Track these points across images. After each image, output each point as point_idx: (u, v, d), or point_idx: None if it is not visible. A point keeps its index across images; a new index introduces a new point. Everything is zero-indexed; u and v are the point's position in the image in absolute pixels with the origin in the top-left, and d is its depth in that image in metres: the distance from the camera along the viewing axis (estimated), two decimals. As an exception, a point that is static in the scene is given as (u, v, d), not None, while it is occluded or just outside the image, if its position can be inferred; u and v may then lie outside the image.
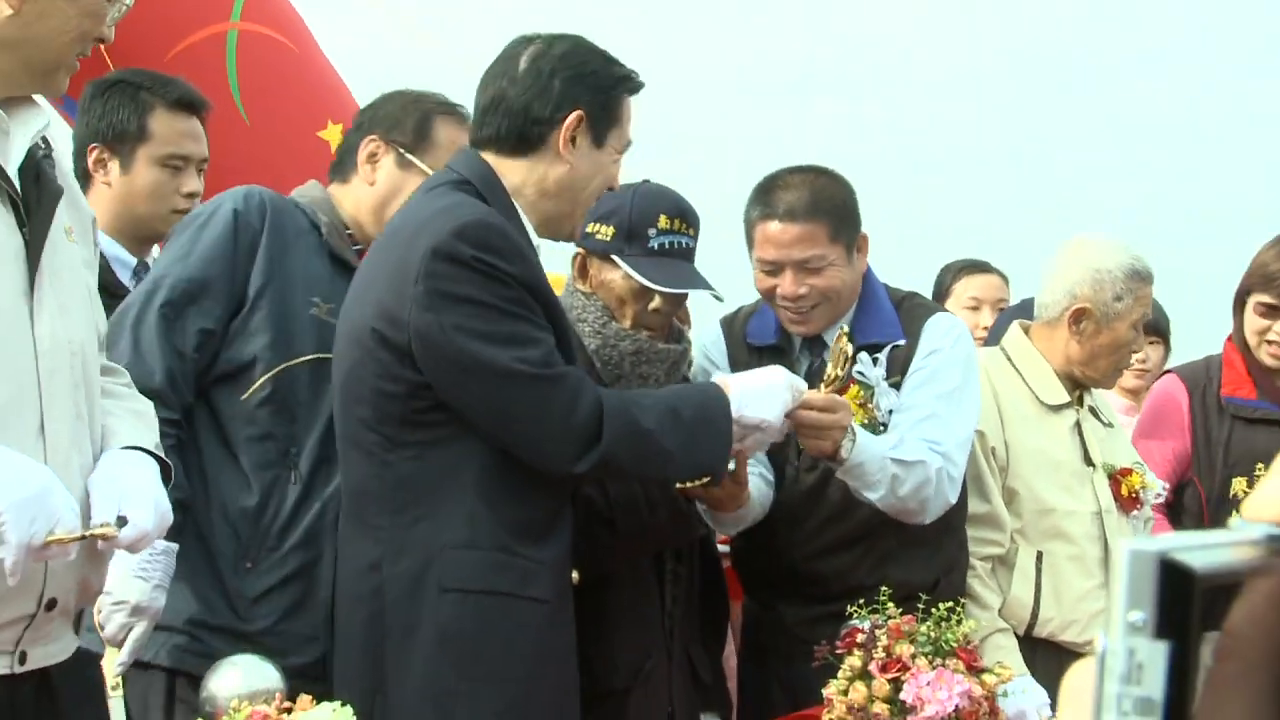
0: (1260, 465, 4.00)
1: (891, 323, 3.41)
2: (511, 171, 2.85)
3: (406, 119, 3.32)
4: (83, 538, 2.23)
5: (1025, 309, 4.42)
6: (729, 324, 3.58)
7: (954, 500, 3.30)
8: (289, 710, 2.31)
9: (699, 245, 3.33)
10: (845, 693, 2.87)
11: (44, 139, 2.45)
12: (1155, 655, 0.48)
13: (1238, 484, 4.02)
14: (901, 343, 3.37)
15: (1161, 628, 0.49)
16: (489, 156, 2.87)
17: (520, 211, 2.85)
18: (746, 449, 2.95)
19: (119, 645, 2.88)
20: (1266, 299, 4.03)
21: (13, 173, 2.32)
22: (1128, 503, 3.77)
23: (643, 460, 2.79)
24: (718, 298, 3.41)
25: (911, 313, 3.44)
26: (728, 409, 2.83)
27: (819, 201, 3.32)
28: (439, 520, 2.70)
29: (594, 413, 2.69)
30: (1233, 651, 0.51)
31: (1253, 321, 4.06)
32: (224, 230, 3.11)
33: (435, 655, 2.66)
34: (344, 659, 2.79)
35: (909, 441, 3.21)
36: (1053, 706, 3.40)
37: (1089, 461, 3.73)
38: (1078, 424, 3.76)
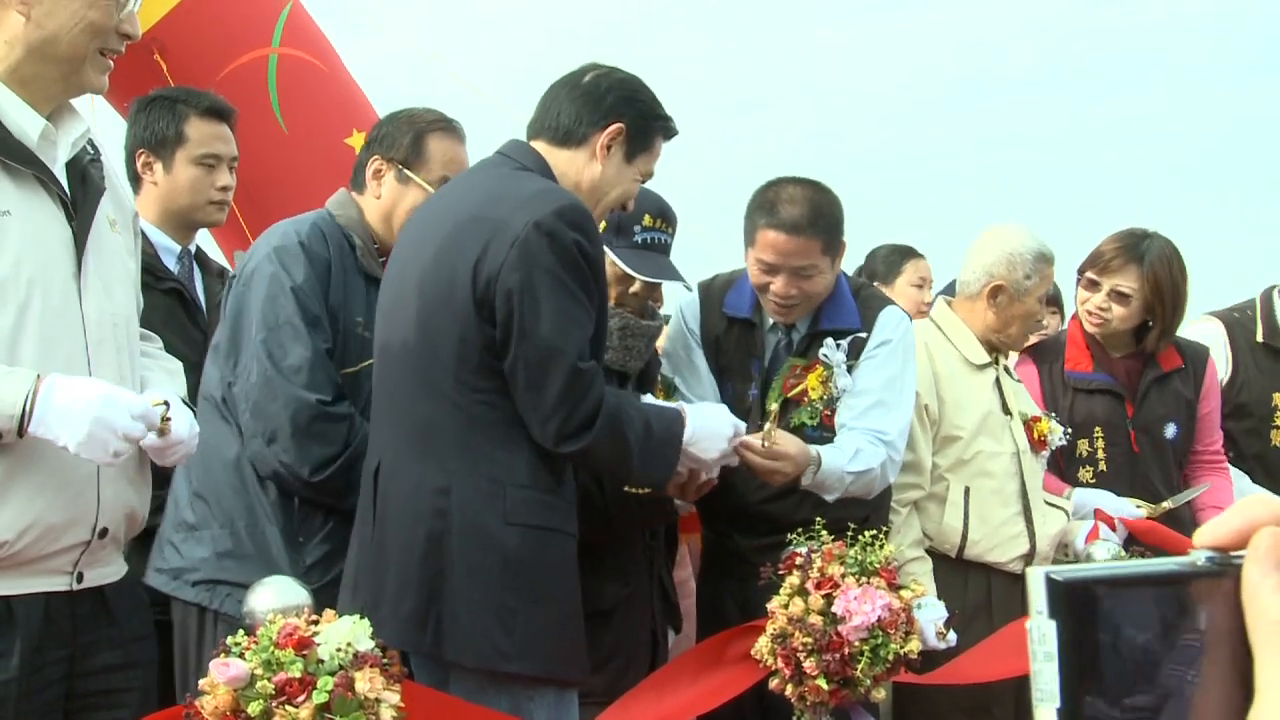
0: (1098, 429, 4.08)
1: (851, 311, 3.48)
2: (557, 161, 2.88)
3: (402, 138, 3.34)
4: (166, 403, 2.39)
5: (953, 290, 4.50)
6: (706, 290, 3.63)
7: (894, 479, 3.43)
8: (315, 622, 2.31)
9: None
10: (786, 606, 2.94)
11: (92, 145, 2.52)
12: (1050, 628, 0.68)
13: (1081, 445, 4.09)
14: (864, 335, 3.43)
15: (1052, 612, 0.69)
16: (539, 145, 2.90)
17: None
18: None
19: None
20: (1089, 274, 4.11)
21: (60, 175, 2.40)
22: (1038, 445, 3.89)
23: (613, 462, 2.83)
24: (687, 287, 3.49)
25: (867, 302, 3.51)
26: (681, 439, 2.90)
27: (818, 219, 3.35)
28: (504, 461, 2.70)
29: (594, 409, 2.71)
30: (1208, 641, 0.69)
31: (1079, 293, 4.16)
32: (307, 266, 3.14)
33: (499, 577, 2.66)
34: (400, 567, 2.71)
35: (865, 450, 3.29)
36: (951, 622, 3.45)
37: (1006, 410, 3.85)
38: (997, 380, 3.87)
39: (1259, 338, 4.47)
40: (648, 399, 3.14)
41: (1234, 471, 4.33)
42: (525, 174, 2.83)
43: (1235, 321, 4.50)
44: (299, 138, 5.19)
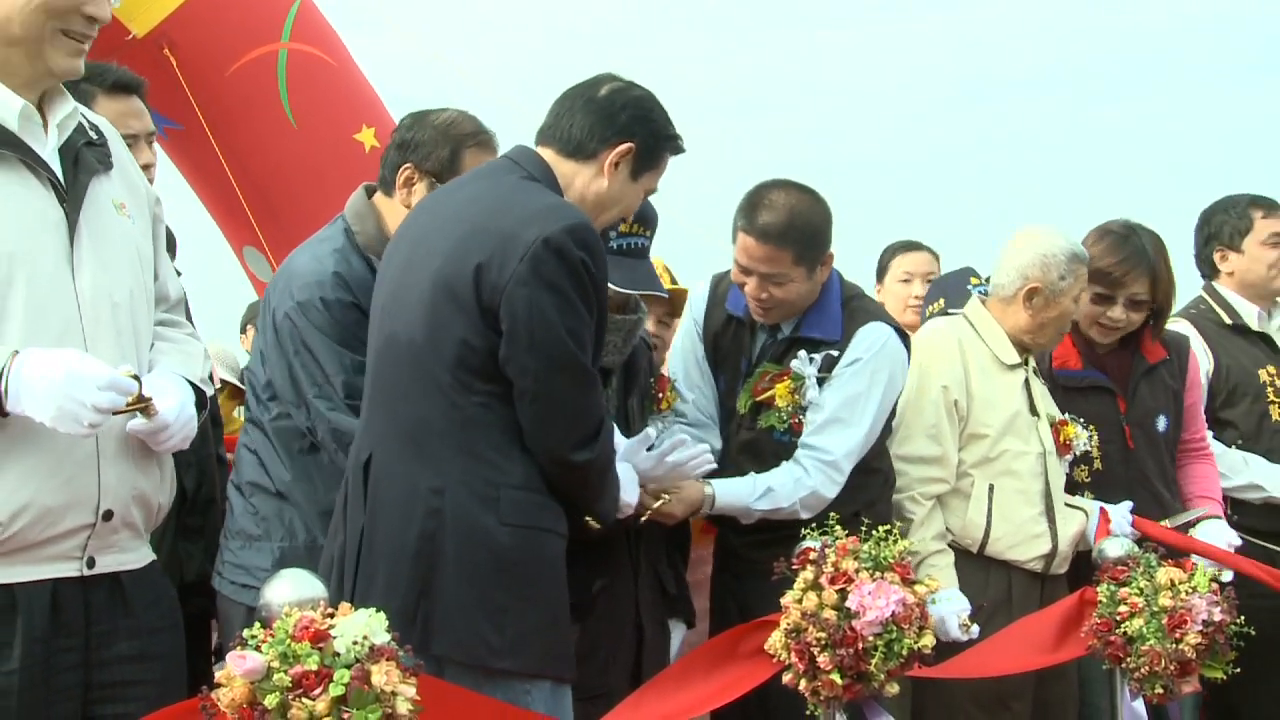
0: (1092, 427, 4.03)
1: (834, 322, 3.48)
2: (564, 172, 2.88)
3: (439, 150, 3.24)
4: (136, 376, 2.32)
5: (954, 281, 4.48)
6: (716, 284, 3.65)
7: (831, 497, 3.39)
8: (331, 615, 2.28)
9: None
10: (800, 601, 2.92)
11: (97, 130, 2.49)
12: None
13: (1092, 437, 4.02)
14: (835, 354, 3.44)
15: None
16: (548, 152, 2.89)
17: None
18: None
19: None
20: (1099, 289, 4.02)
21: (48, 157, 2.37)
22: (1062, 448, 3.88)
23: (596, 486, 2.84)
24: (664, 294, 3.44)
25: (852, 315, 3.50)
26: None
27: (791, 229, 3.35)
28: (500, 464, 2.71)
29: (599, 423, 2.76)
30: None
31: (1086, 307, 4.02)
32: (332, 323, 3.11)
33: (492, 576, 2.68)
34: (391, 563, 2.72)
35: (779, 490, 3.35)
36: (975, 615, 3.47)
37: (1034, 411, 3.83)
38: (1026, 380, 3.86)
39: (1226, 320, 4.51)
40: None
41: (1247, 455, 4.36)
42: (533, 184, 2.83)
43: (1197, 316, 4.54)
44: (308, 132, 5.19)
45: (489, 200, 2.81)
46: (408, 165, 3.24)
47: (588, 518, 2.90)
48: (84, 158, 2.43)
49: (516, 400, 2.70)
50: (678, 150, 2.98)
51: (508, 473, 2.70)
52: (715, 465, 3.33)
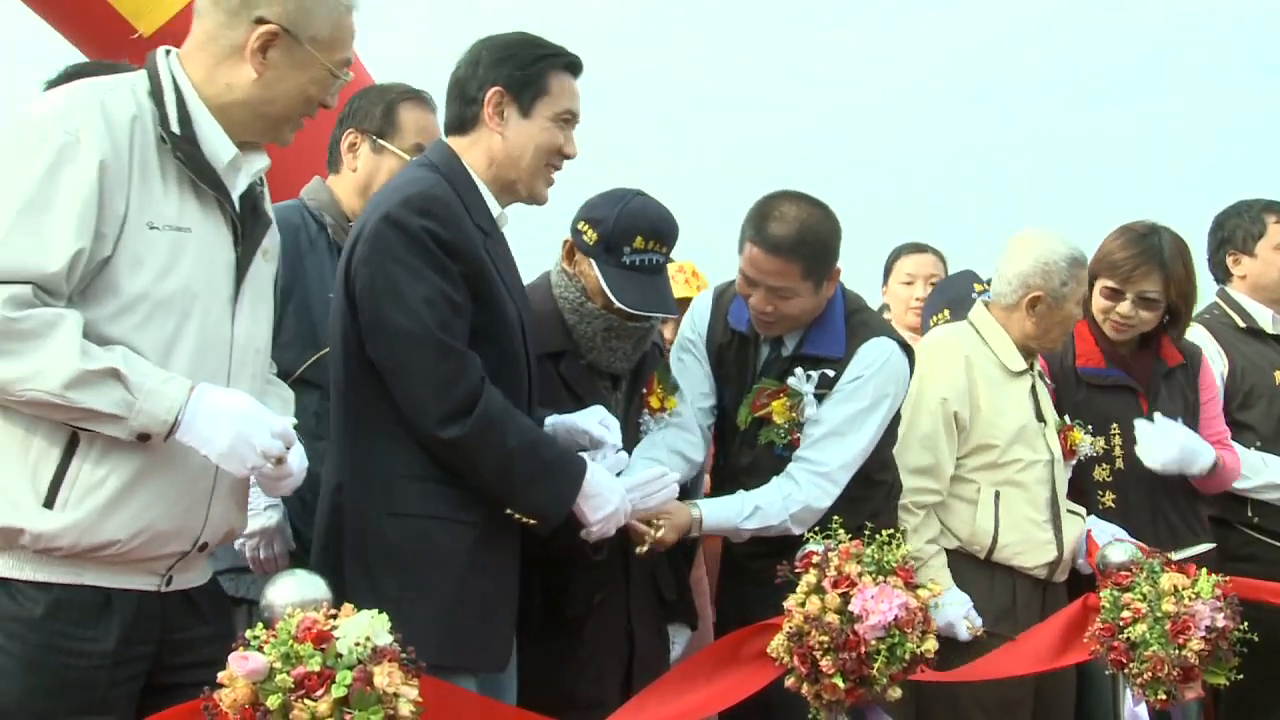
0: (1115, 426, 4.04)
1: (837, 338, 3.44)
2: (465, 150, 2.91)
3: (374, 109, 3.41)
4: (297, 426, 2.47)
5: (957, 290, 4.46)
6: (719, 296, 3.60)
7: (823, 509, 3.33)
8: (334, 616, 2.29)
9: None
10: (803, 605, 2.92)
11: (260, 177, 2.60)
12: None
13: (1097, 442, 4.02)
14: (832, 374, 3.40)
15: None
16: (452, 140, 2.93)
17: (481, 185, 2.89)
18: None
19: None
20: (1110, 283, 4.04)
21: (236, 201, 2.48)
22: (1068, 454, 3.88)
23: (494, 470, 2.75)
24: (671, 312, 3.35)
25: (855, 330, 3.46)
26: (580, 482, 2.84)
27: (801, 243, 3.30)
28: (391, 451, 2.75)
29: (473, 393, 2.71)
30: None
31: (1099, 301, 4.07)
32: None
33: (382, 568, 2.72)
34: (313, 558, 2.85)
35: (767, 508, 3.30)
36: (980, 612, 3.46)
37: (1041, 418, 3.82)
38: (1033, 386, 3.85)
39: (1240, 324, 4.52)
40: (585, 411, 3.05)
41: (1265, 455, 4.36)
42: (419, 168, 2.89)
43: (1212, 320, 4.56)
44: (312, 137, 5.17)
45: (375, 198, 2.92)
46: (349, 131, 3.40)
47: (515, 513, 2.79)
48: (260, 207, 2.56)
49: (386, 384, 2.73)
50: (565, 65, 2.93)
51: (399, 461, 2.74)
52: (678, 484, 3.25)
